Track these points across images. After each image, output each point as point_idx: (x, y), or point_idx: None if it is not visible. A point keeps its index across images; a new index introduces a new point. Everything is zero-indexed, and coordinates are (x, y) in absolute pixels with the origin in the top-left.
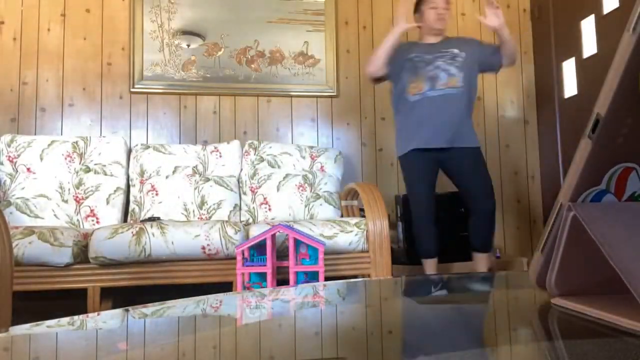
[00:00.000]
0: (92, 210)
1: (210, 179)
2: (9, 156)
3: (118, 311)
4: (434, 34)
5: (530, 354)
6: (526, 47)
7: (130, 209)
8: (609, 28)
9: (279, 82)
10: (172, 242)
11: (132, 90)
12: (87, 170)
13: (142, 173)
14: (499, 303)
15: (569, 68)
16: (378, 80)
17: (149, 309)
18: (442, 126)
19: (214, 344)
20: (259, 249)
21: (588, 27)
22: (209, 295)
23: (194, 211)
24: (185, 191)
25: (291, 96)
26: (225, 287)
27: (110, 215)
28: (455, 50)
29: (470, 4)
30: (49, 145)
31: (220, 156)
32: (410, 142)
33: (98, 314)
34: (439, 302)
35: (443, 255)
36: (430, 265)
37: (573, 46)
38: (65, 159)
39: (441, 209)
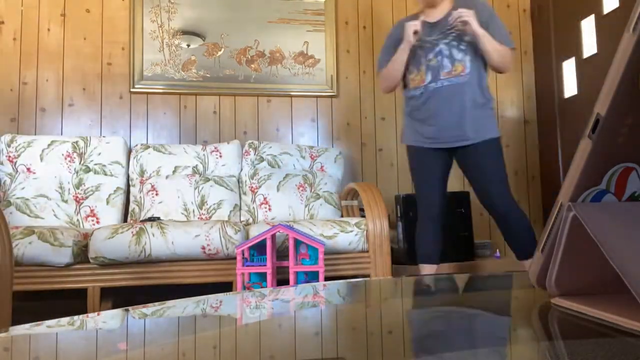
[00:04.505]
0: (92, 210)
1: (210, 179)
2: (9, 156)
3: (118, 311)
4: (430, 5)
5: (530, 354)
6: (526, 47)
7: (130, 209)
8: (609, 28)
9: (279, 82)
10: (172, 242)
11: (132, 90)
12: (87, 170)
13: (142, 173)
14: (500, 303)
15: (569, 68)
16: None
17: (149, 309)
18: (448, 122)
19: (214, 344)
20: (259, 249)
21: (588, 27)
22: (209, 295)
23: (194, 211)
24: (185, 191)
25: (291, 96)
26: (225, 287)
27: (110, 215)
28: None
29: None
30: (49, 145)
31: (220, 156)
32: (416, 136)
33: (98, 314)
34: (438, 302)
35: (443, 255)
36: (427, 272)
37: (573, 46)
38: (65, 159)
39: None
